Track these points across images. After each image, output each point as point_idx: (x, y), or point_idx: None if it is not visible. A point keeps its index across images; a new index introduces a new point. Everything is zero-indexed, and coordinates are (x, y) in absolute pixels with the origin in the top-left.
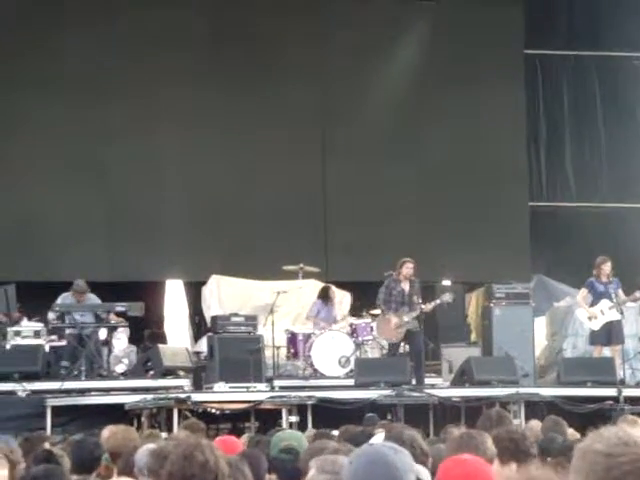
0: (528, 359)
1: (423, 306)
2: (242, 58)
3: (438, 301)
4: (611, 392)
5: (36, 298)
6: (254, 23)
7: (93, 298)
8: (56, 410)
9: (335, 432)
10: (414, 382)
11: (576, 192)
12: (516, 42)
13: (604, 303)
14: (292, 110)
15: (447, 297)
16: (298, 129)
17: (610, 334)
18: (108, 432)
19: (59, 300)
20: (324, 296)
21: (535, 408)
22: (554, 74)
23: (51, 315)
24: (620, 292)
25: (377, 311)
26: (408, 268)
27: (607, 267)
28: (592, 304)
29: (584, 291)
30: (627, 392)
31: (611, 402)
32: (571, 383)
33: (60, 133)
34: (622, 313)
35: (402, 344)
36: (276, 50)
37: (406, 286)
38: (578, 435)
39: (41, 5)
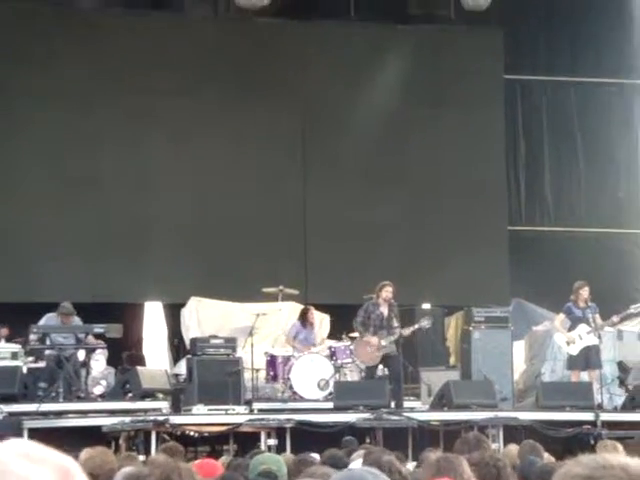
0: (507, 383)
1: (402, 330)
2: (226, 80)
3: (417, 326)
4: (589, 416)
5: (18, 318)
6: (237, 47)
7: (77, 321)
8: (33, 432)
9: (315, 455)
10: (393, 405)
11: (555, 216)
12: (496, 67)
13: (582, 328)
14: (273, 131)
15: (425, 322)
16: (279, 150)
17: (588, 359)
18: (86, 454)
19: (43, 321)
20: (303, 319)
21: (513, 432)
22: (533, 99)
23: (32, 336)
24: (598, 317)
25: (356, 334)
26: (387, 292)
27: (585, 292)
28: (570, 329)
29: (562, 316)
30: (605, 417)
31: (589, 427)
32: (549, 407)
33: (44, 154)
34: (600, 338)
35: (380, 367)
36: (258, 72)
37: (385, 310)
38: (554, 459)
39: (33, 18)
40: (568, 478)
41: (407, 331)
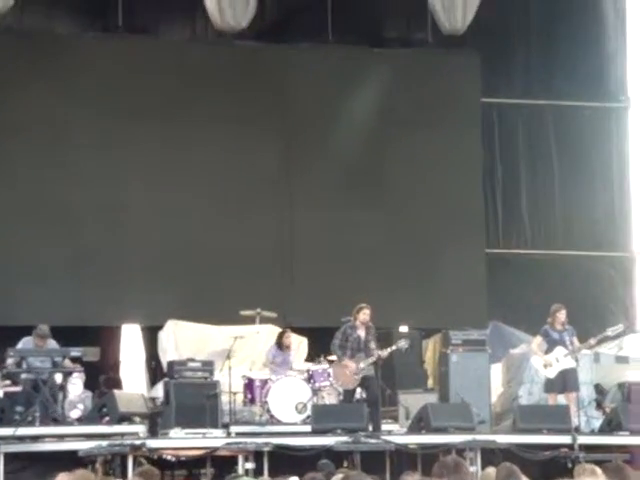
0: (484, 406)
1: (379, 352)
2: (205, 104)
3: (394, 347)
4: (566, 439)
5: None
6: (215, 71)
7: (53, 344)
8: (9, 457)
9: (295, 478)
10: (370, 428)
11: (532, 239)
12: (473, 90)
13: (559, 351)
14: (253, 153)
15: (403, 343)
16: (259, 172)
17: (565, 382)
18: (66, 478)
19: (20, 345)
20: (279, 342)
21: (491, 455)
22: (510, 122)
23: (9, 360)
24: (575, 340)
25: (334, 357)
26: (365, 314)
27: (562, 315)
28: (547, 352)
29: (539, 339)
30: (582, 440)
31: (566, 450)
32: (527, 430)
33: (19, 179)
34: (577, 361)
35: (358, 390)
36: (237, 95)
37: (362, 332)
38: None
39: (9, 52)
40: None
41: (385, 353)
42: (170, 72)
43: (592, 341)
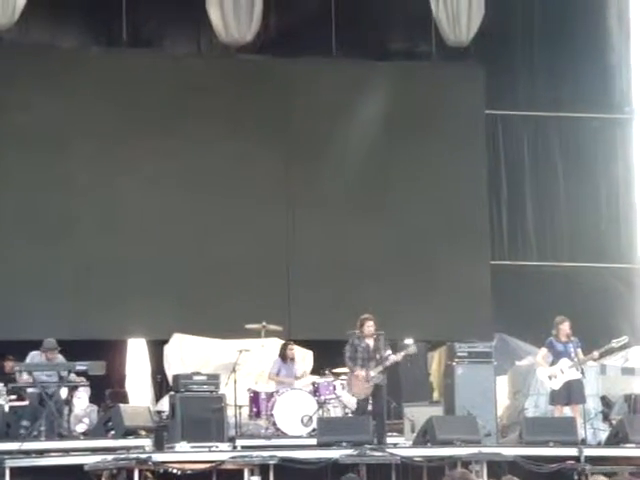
0: (490, 418)
1: (394, 356)
2: (208, 118)
3: (404, 352)
4: (572, 452)
5: None
6: (220, 85)
7: (60, 358)
8: (15, 471)
9: None
10: (375, 441)
11: (537, 251)
12: (477, 102)
13: (564, 362)
14: (256, 167)
15: (412, 348)
16: (262, 186)
17: (570, 393)
18: None
19: (28, 359)
20: (283, 354)
21: (497, 468)
22: (515, 134)
23: (18, 376)
24: (580, 352)
25: (340, 369)
26: (369, 327)
27: (566, 326)
28: (552, 363)
29: (544, 350)
30: (588, 452)
31: (572, 462)
32: (533, 443)
33: (21, 191)
34: (583, 373)
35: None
36: (241, 109)
37: (370, 341)
38: None
39: (13, 65)
40: None
41: (399, 356)
42: (174, 85)
43: (596, 353)
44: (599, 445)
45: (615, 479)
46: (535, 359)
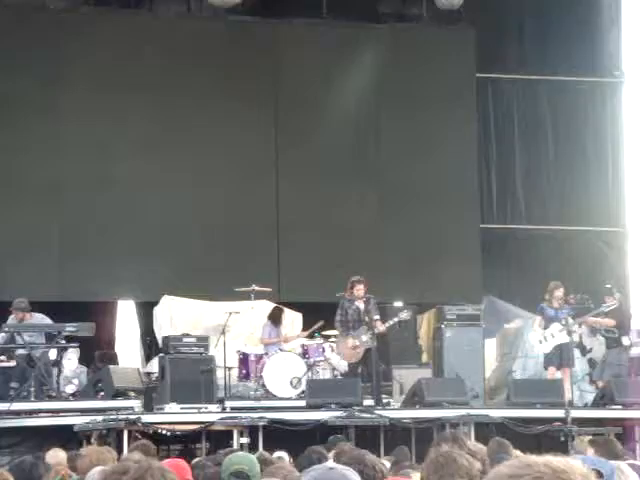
0: (478, 380)
1: (380, 326)
2: (198, 79)
3: (396, 319)
4: (559, 414)
5: None
6: (209, 46)
7: (40, 318)
8: (4, 431)
9: (279, 453)
10: (371, 402)
11: (527, 214)
12: (468, 66)
13: (554, 327)
14: (245, 129)
15: (405, 315)
16: (251, 149)
17: (561, 357)
18: (85, 451)
19: (9, 320)
20: (274, 318)
21: (485, 429)
22: (505, 97)
23: (2, 335)
24: (570, 318)
25: (330, 332)
26: (359, 289)
27: (559, 292)
28: (543, 328)
29: (539, 318)
30: (575, 413)
31: (559, 423)
32: (520, 404)
33: (9, 154)
34: (571, 335)
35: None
36: (230, 70)
37: (360, 304)
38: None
39: (1, 26)
40: (497, 478)
41: (383, 327)
42: (163, 47)
43: (587, 318)
44: (586, 407)
45: (597, 440)
46: (524, 321)
